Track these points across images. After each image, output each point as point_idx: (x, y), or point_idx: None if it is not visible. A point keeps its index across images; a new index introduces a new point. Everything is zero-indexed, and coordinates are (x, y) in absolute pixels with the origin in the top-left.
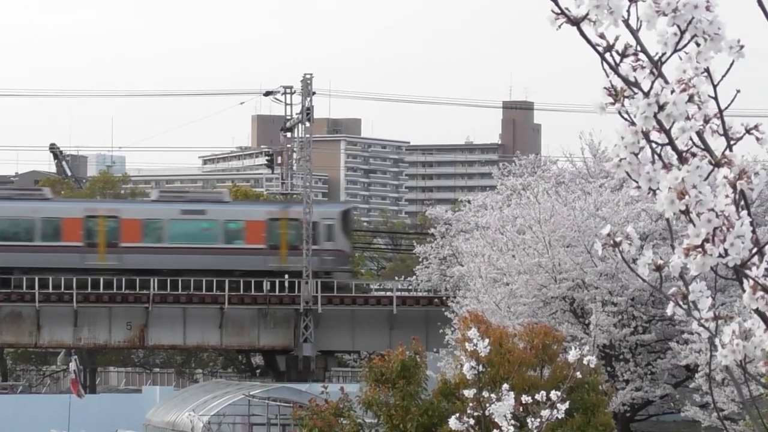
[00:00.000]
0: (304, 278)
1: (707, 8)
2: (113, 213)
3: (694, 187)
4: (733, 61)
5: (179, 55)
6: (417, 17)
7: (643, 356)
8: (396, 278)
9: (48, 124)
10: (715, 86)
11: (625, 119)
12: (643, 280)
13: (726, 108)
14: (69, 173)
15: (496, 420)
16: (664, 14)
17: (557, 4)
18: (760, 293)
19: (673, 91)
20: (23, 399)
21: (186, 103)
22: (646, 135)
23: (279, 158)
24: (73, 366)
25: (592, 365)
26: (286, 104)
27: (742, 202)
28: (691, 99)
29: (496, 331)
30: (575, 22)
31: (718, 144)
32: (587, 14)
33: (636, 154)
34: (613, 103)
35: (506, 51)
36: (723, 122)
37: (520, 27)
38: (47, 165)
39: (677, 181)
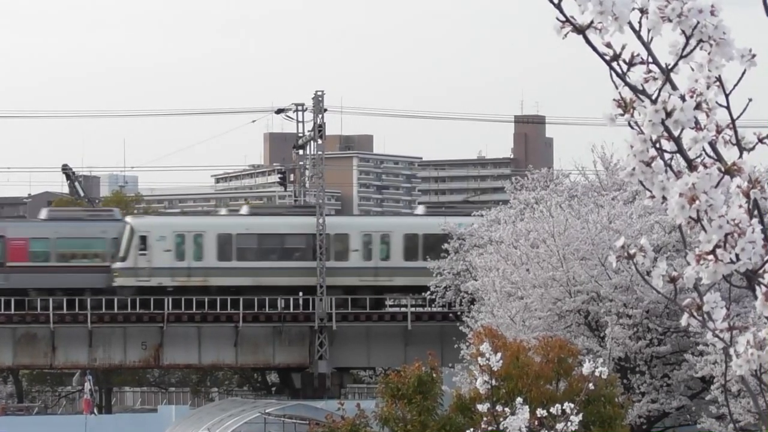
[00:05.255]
0: (318, 295)
1: (712, 12)
2: None
3: (705, 192)
4: (745, 70)
5: (190, 74)
6: (428, 33)
7: (659, 368)
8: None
9: (60, 144)
10: (727, 95)
11: (635, 129)
12: (658, 292)
13: (738, 117)
14: (82, 194)
15: None
16: (669, 20)
17: (562, 12)
18: None
19: (682, 99)
20: (39, 420)
21: (198, 122)
22: (655, 144)
23: (291, 176)
24: (88, 386)
25: (604, 377)
26: (297, 121)
27: (756, 212)
28: (699, 106)
29: (513, 345)
30: (581, 30)
31: (730, 154)
32: (592, 22)
33: (649, 164)
34: (623, 114)
35: (517, 65)
36: (735, 132)
37: (530, 41)
38: (60, 186)
39: (687, 187)
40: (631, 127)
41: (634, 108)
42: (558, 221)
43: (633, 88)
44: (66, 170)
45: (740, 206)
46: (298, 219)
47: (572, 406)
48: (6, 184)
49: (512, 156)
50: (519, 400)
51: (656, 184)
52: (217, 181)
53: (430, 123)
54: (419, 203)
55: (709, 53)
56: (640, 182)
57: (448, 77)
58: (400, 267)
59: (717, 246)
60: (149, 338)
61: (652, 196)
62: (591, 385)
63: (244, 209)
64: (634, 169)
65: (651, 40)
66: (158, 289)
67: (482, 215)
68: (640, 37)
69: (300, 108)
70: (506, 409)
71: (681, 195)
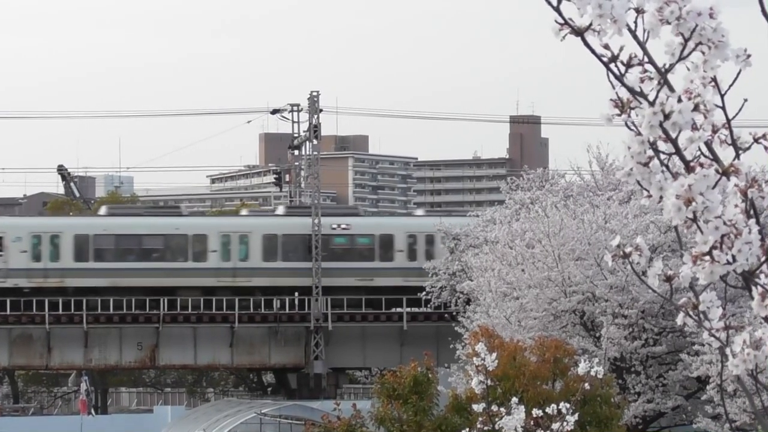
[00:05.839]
0: (314, 295)
1: (711, 15)
2: None
3: (701, 194)
4: (740, 71)
5: (186, 75)
6: (423, 33)
7: (654, 368)
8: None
9: (56, 145)
10: (722, 96)
11: (632, 130)
12: (654, 291)
13: (734, 117)
14: (77, 194)
15: None
16: (668, 23)
17: (561, 15)
18: None
19: (679, 100)
20: (35, 421)
21: (193, 123)
22: (653, 145)
23: (287, 176)
24: (84, 387)
25: (599, 377)
26: (293, 122)
27: (752, 211)
28: (696, 108)
29: (510, 345)
30: (579, 32)
31: (726, 154)
32: (590, 24)
33: (646, 164)
34: (620, 114)
35: (513, 66)
36: (731, 132)
37: (526, 42)
38: (55, 186)
39: (684, 188)
40: (628, 128)
41: (631, 108)
42: (553, 221)
43: (631, 90)
44: (61, 171)
45: (736, 206)
46: (156, 220)
47: (568, 406)
48: (1, 184)
49: (508, 156)
50: (514, 400)
51: (654, 183)
52: (213, 181)
53: (425, 123)
54: (415, 203)
55: (704, 53)
56: (638, 182)
57: (443, 77)
58: (259, 268)
59: (713, 247)
60: (145, 339)
61: (650, 196)
62: (587, 385)
63: (103, 209)
64: (631, 169)
65: (647, 40)
66: (15, 291)
67: (478, 215)
68: (636, 38)
69: (295, 108)
70: (502, 409)
71: (677, 197)
